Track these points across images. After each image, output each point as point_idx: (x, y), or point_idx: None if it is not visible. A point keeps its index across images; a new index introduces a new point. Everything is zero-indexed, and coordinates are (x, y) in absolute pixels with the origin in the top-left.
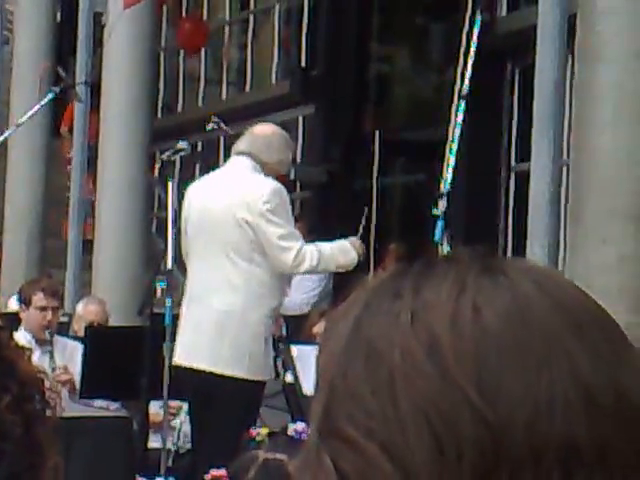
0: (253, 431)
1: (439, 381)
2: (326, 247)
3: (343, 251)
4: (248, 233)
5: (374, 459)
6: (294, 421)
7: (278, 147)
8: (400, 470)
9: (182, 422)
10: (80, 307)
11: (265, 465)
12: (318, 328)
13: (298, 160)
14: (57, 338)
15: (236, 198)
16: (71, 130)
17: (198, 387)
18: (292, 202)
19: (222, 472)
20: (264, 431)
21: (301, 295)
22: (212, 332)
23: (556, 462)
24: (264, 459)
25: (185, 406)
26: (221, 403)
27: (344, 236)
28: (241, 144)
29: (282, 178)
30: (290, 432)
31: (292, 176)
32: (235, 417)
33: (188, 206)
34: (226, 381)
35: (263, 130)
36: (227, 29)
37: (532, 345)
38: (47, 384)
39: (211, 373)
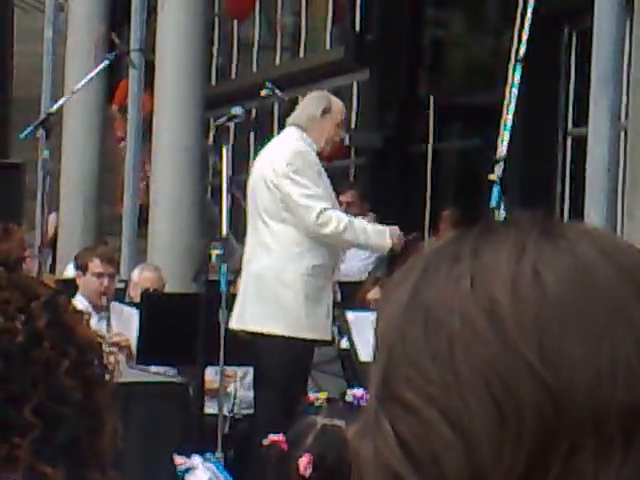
0: (311, 396)
1: (499, 346)
2: (361, 221)
3: (378, 233)
4: (276, 194)
5: (433, 424)
6: (351, 387)
7: (306, 104)
8: (460, 436)
9: (237, 388)
10: (136, 274)
11: (323, 431)
12: (372, 295)
13: (353, 126)
14: (114, 304)
15: (265, 162)
16: (121, 109)
17: (251, 350)
18: (347, 168)
19: (280, 437)
20: (322, 396)
21: (357, 262)
22: (251, 294)
23: (618, 428)
24: (322, 425)
25: (240, 372)
26: (268, 362)
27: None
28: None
29: (338, 145)
30: (348, 398)
31: (347, 142)
32: (282, 374)
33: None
34: (269, 339)
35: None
36: None
37: (594, 310)
38: (105, 349)
39: (257, 333)
